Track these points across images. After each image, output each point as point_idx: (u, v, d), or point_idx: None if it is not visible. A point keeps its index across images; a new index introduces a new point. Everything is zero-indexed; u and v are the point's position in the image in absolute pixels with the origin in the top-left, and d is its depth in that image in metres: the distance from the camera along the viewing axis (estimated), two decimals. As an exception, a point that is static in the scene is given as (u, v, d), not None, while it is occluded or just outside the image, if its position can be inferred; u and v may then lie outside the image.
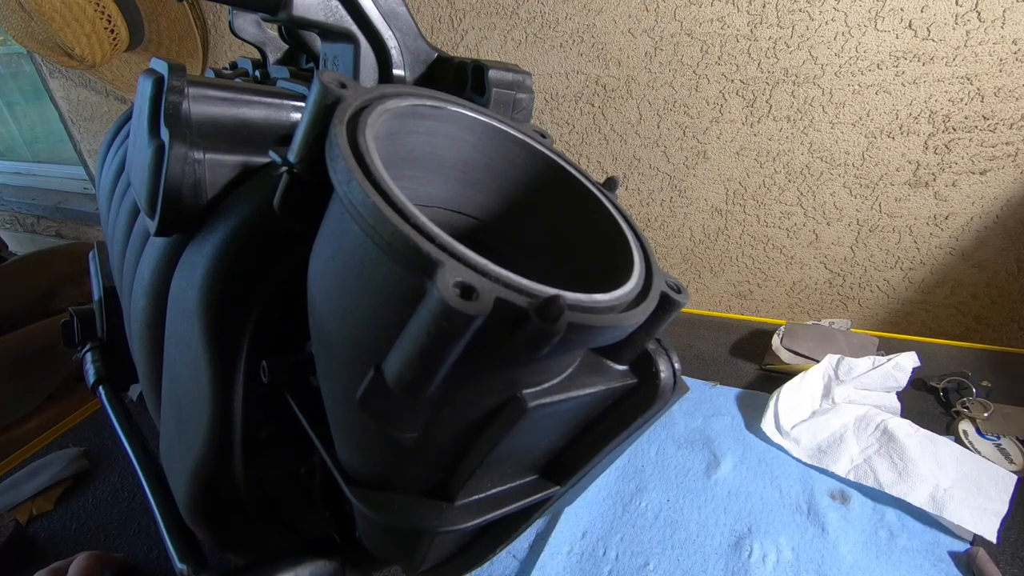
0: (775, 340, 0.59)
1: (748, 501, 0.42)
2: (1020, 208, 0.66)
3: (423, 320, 0.12)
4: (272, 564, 0.26)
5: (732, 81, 0.73)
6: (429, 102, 0.20)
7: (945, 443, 0.44)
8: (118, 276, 0.35)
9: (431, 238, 0.13)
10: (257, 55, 0.44)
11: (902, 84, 0.65)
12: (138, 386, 0.34)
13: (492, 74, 0.27)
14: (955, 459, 0.42)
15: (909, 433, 0.44)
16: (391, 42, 0.28)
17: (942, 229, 0.71)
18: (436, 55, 0.29)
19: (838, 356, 0.54)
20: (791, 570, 0.37)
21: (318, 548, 0.28)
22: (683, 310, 0.27)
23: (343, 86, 0.17)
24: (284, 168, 0.18)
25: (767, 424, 0.49)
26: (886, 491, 0.41)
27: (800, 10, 0.66)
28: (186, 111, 0.23)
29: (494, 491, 0.21)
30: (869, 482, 0.42)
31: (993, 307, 0.73)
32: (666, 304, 0.18)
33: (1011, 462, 0.43)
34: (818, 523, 0.40)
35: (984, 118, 0.63)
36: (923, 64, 0.63)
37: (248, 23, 0.43)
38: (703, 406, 0.54)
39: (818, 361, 0.55)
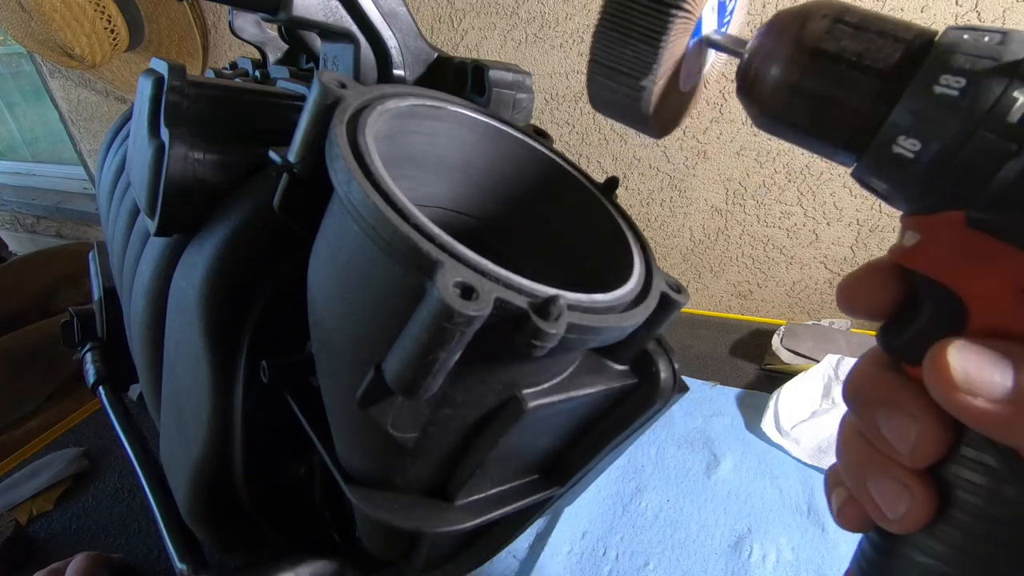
0: (775, 340, 0.59)
1: (748, 501, 0.42)
2: (1020, 208, 0.66)
3: (423, 320, 0.12)
4: (272, 564, 0.26)
5: (732, 81, 0.73)
6: (429, 102, 0.20)
7: (945, 443, 0.44)
8: (118, 276, 0.35)
9: (431, 238, 0.13)
10: (257, 55, 0.44)
11: (902, 84, 0.65)
12: (138, 386, 0.34)
13: (492, 74, 0.27)
14: (955, 459, 0.42)
15: (909, 433, 0.44)
16: (391, 42, 0.27)
17: (942, 229, 0.71)
18: (436, 55, 0.29)
19: (838, 356, 0.54)
20: (791, 570, 0.37)
21: (318, 548, 0.28)
22: (683, 310, 0.27)
23: (343, 86, 0.17)
24: (284, 168, 0.18)
25: (767, 424, 0.49)
26: (886, 491, 0.41)
27: (800, 10, 0.66)
28: (186, 111, 0.23)
29: (494, 491, 0.21)
30: (869, 482, 0.42)
31: (993, 307, 0.73)
32: (666, 304, 0.18)
33: (1011, 462, 0.43)
34: (818, 523, 0.40)
35: (984, 118, 0.63)
36: (923, 64, 0.63)
37: (248, 23, 0.43)
38: (703, 406, 0.53)
39: (818, 361, 0.55)
